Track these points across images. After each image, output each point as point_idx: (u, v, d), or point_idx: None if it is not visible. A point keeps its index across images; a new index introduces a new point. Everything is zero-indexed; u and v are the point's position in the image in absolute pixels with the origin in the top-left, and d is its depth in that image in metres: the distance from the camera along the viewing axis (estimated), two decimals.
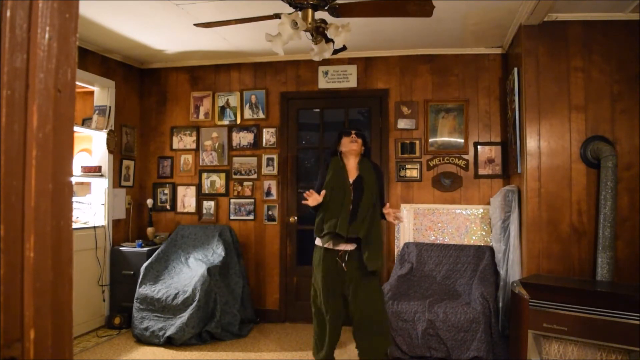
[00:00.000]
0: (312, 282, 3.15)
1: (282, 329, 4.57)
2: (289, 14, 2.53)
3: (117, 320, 4.43)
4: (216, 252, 4.54)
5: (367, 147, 3.21)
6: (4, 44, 0.53)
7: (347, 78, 4.76)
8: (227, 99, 5.02)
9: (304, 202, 3.02)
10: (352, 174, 3.12)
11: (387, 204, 3.05)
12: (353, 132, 3.15)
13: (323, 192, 3.00)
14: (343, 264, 2.95)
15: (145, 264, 4.40)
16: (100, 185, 4.73)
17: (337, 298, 3.01)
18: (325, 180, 3.10)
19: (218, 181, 5.02)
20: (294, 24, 2.49)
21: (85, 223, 4.64)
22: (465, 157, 4.51)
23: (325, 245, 2.99)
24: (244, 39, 4.34)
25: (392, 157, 4.65)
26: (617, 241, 3.36)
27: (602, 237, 3.29)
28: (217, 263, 4.36)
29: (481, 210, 4.38)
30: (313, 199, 2.97)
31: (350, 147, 3.12)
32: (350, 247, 2.97)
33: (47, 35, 0.58)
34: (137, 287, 4.25)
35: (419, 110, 4.61)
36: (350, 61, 4.75)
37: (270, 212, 4.86)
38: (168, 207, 5.14)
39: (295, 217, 4.82)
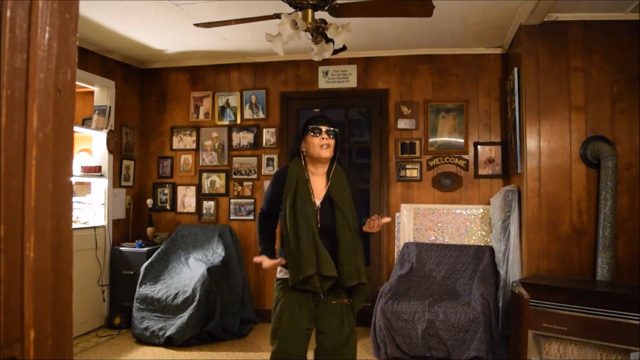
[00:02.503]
0: (274, 323, 2.31)
1: None
2: (289, 14, 2.53)
3: (117, 320, 4.43)
4: (216, 252, 4.54)
5: (338, 147, 2.35)
6: (4, 44, 0.53)
7: (347, 78, 4.76)
8: (227, 99, 5.02)
9: (262, 264, 2.31)
10: (319, 189, 2.31)
11: (374, 218, 2.25)
12: (324, 128, 2.26)
13: (280, 260, 2.25)
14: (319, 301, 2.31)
15: (145, 264, 4.40)
16: (100, 185, 4.73)
17: (304, 343, 2.30)
18: (281, 197, 2.30)
19: (218, 181, 5.02)
20: (294, 24, 2.49)
21: (85, 223, 4.64)
22: (465, 157, 4.51)
23: (299, 287, 2.24)
24: (244, 39, 4.34)
25: (392, 157, 4.65)
26: (617, 241, 3.36)
27: (602, 237, 3.29)
28: (217, 263, 4.36)
29: (481, 210, 4.38)
30: (267, 264, 2.28)
31: (320, 154, 2.26)
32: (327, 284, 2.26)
33: (47, 35, 0.58)
34: (137, 287, 4.25)
35: (419, 110, 4.61)
36: (350, 61, 4.75)
37: None
38: (168, 207, 5.14)
39: None
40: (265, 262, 2.30)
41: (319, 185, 2.33)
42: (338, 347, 2.28)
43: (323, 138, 2.25)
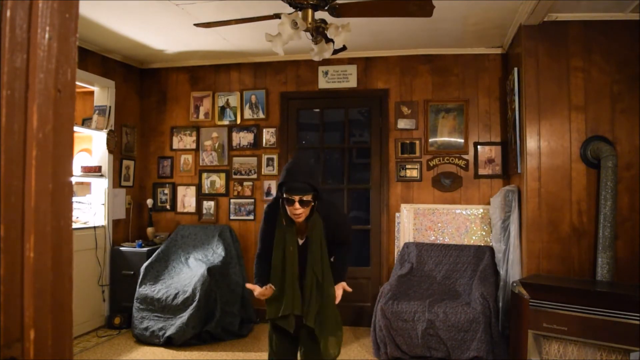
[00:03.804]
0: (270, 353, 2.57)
1: None
2: (289, 14, 2.53)
3: (117, 320, 4.43)
4: (216, 252, 4.54)
5: (319, 196, 2.34)
6: (4, 44, 0.53)
7: (347, 78, 4.76)
8: (227, 99, 5.02)
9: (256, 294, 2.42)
10: (302, 233, 2.46)
11: (340, 287, 2.43)
12: (297, 198, 2.25)
13: (270, 288, 2.36)
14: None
15: (145, 264, 4.40)
16: (100, 185, 4.73)
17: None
18: (273, 233, 2.44)
19: (218, 181, 5.02)
20: (294, 24, 2.49)
21: (85, 223, 4.64)
22: (465, 157, 4.51)
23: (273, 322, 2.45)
24: (244, 39, 4.34)
25: (392, 157, 4.65)
26: (617, 241, 3.36)
27: (602, 237, 3.29)
28: (217, 263, 4.36)
29: (481, 210, 4.38)
30: (258, 291, 2.38)
31: (294, 219, 2.34)
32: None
33: (47, 35, 0.58)
34: (137, 287, 4.25)
35: (419, 110, 4.61)
36: (350, 61, 4.75)
37: None
38: (168, 207, 5.14)
39: None
40: (257, 290, 2.39)
41: (301, 227, 2.43)
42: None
43: (296, 209, 2.27)
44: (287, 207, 2.30)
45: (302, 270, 2.40)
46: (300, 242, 2.44)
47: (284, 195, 2.28)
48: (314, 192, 2.29)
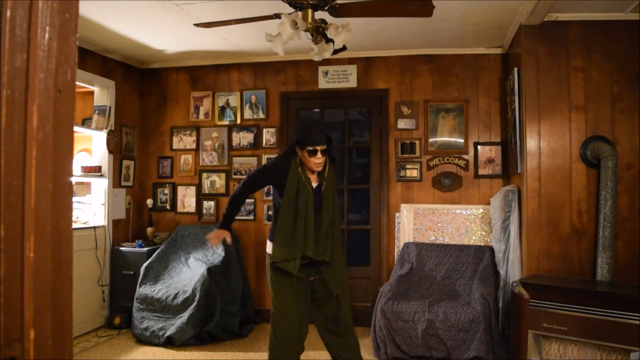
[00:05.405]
0: (275, 306, 2.64)
1: None
2: (289, 14, 2.53)
3: (117, 320, 4.43)
4: (216, 252, 4.54)
5: (331, 154, 2.71)
6: (4, 44, 0.53)
7: (347, 78, 4.76)
8: (227, 99, 5.02)
9: (209, 243, 2.69)
10: (313, 180, 2.69)
11: None
12: (320, 148, 2.55)
13: (227, 235, 2.65)
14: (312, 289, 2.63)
15: (145, 264, 4.40)
16: (100, 185, 4.73)
17: (306, 322, 2.67)
18: (266, 185, 2.68)
19: (218, 181, 5.02)
20: (294, 24, 2.49)
21: (85, 223, 4.64)
22: (465, 157, 4.51)
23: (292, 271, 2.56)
24: (244, 39, 4.34)
25: (392, 157, 4.65)
26: (617, 241, 3.36)
27: (602, 237, 3.29)
28: (217, 263, 4.36)
29: (481, 210, 4.38)
30: (215, 238, 2.60)
31: (313, 169, 2.61)
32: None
33: (47, 35, 0.58)
34: (137, 287, 4.25)
35: (419, 110, 4.61)
36: (350, 61, 4.75)
37: (270, 212, 4.86)
38: (168, 207, 5.14)
39: None
40: (227, 236, 2.66)
41: (313, 178, 2.68)
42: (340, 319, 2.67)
43: (318, 158, 2.56)
44: (309, 158, 2.54)
45: (316, 216, 2.60)
46: (313, 185, 2.66)
47: (308, 148, 2.52)
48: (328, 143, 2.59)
